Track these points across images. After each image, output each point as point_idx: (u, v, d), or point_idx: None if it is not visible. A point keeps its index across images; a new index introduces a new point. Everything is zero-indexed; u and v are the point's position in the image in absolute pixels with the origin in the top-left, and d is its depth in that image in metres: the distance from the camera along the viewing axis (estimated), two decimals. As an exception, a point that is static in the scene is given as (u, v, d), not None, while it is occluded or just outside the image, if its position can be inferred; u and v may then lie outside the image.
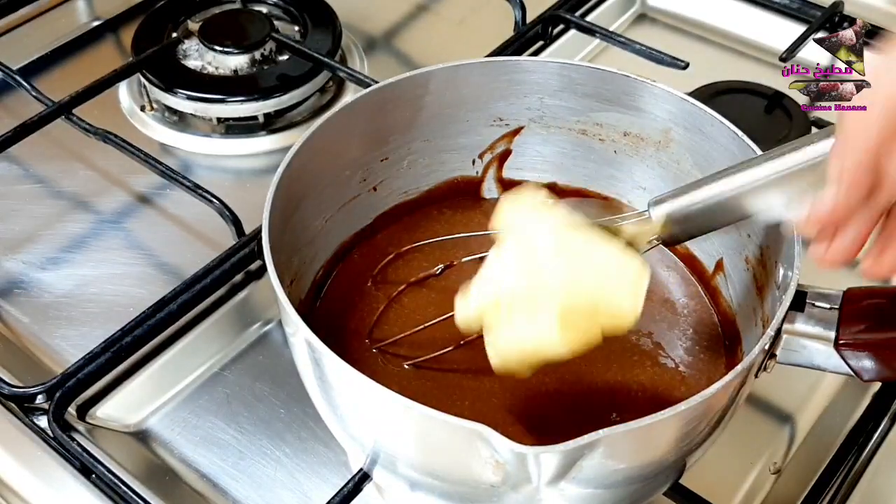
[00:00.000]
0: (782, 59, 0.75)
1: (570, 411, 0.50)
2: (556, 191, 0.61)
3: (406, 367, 0.52)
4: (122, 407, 0.58)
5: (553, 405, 0.51)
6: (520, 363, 0.45)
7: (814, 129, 0.71)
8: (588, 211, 0.59)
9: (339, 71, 0.77)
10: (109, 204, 0.71)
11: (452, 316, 0.47)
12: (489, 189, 0.61)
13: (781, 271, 0.47)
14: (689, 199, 0.48)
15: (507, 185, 0.61)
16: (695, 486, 0.50)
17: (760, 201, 0.45)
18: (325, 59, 0.77)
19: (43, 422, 0.55)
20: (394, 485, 0.49)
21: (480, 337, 0.52)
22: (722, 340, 0.54)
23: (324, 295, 0.56)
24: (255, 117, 0.77)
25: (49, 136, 0.72)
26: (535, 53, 0.80)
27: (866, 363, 0.45)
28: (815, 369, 0.46)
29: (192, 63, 0.79)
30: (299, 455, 0.56)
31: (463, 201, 0.61)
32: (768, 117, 0.73)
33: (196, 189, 0.66)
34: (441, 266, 0.57)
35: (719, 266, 0.55)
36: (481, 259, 0.46)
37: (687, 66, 0.75)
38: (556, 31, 0.82)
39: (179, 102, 0.76)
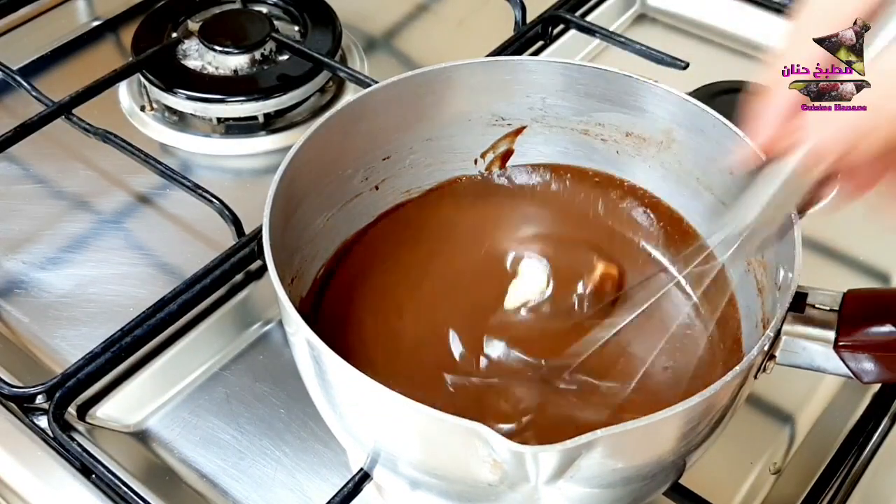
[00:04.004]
0: (782, 60, 0.74)
1: (568, 410, 0.50)
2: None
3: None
4: (122, 407, 0.58)
5: (552, 404, 0.51)
6: None
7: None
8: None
9: (339, 71, 0.77)
10: (109, 204, 0.71)
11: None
12: (491, 189, 0.61)
13: (782, 273, 0.47)
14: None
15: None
16: (695, 486, 0.50)
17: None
18: (325, 59, 0.77)
19: (43, 422, 0.55)
20: (394, 484, 0.49)
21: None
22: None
23: (325, 294, 0.56)
24: (255, 117, 0.77)
25: (49, 136, 0.72)
26: (535, 53, 0.80)
27: (866, 365, 0.45)
28: (814, 371, 0.46)
29: (192, 63, 0.79)
30: (299, 455, 0.56)
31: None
32: (768, 118, 0.73)
33: (196, 189, 0.66)
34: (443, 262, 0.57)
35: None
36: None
37: (687, 66, 0.75)
38: (556, 31, 0.82)
39: (179, 102, 0.76)
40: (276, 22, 0.82)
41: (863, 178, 0.42)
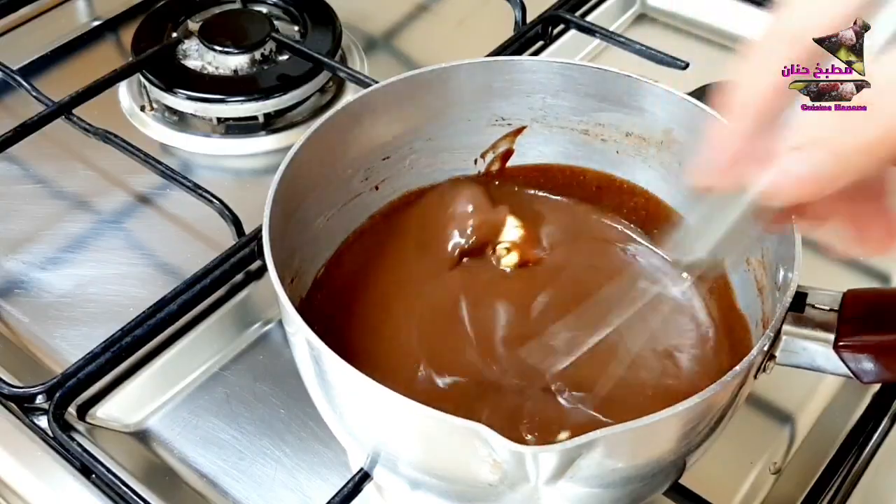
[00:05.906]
0: (782, 59, 0.74)
1: (568, 410, 0.50)
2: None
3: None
4: (122, 407, 0.58)
5: (552, 404, 0.51)
6: None
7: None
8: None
9: (339, 71, 0.77)
10: (109, 204, 0.71)
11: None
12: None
13: (782, 273, 0.47)
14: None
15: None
16: (695, 486, 0.50)
17: None
18: (325, 59, 0.77)
19: (43, 422, 0.55)
20: (394, 484, 0.49)
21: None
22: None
23: (325, 294, 0.56)
24: (255, 117, 0.77)
25: (49, 136, 0.72)
26: (535, 53, 0.80)
27: (866, 365, 0.45)
28: (814, 371, 0.46)
29: (192, 63, 0.79)
30: (299, 455, 0.56)
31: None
32: (768, 118, 0.73)
33: (196, 189, 0.66)
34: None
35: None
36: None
37: (687, 66, 0.75)
38: (556, 31, 0.82)
39: (179, 102, 0.76)
40: (276, 22, 0.82)
41: (814, 215, 0.40)
